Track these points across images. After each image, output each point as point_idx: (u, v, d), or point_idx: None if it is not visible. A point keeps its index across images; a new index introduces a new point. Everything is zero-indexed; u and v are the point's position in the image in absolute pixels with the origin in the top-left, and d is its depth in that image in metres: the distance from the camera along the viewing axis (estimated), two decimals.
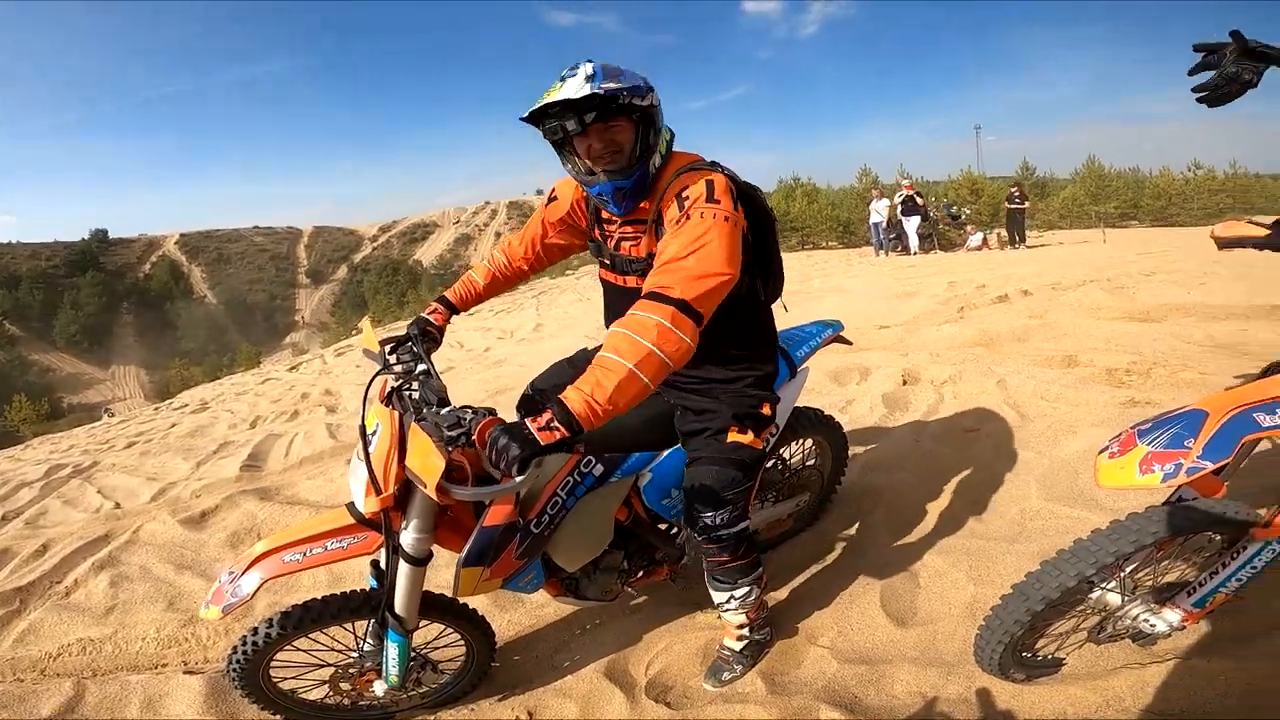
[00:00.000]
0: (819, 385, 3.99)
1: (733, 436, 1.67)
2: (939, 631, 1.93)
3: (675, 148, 1.61)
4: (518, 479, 1.19)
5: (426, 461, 1.26)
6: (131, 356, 67.80)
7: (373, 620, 1.63)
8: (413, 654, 1.69)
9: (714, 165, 1.58)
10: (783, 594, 2.21)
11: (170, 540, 3.29)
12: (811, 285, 9.07)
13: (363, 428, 1.46)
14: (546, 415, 1.21)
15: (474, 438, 1.26)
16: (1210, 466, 1.23)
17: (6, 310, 68.29)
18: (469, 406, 1.42)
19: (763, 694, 1.79)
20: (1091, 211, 21.33)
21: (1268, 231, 1.58)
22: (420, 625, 1.65)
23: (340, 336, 22.29)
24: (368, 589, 1.65)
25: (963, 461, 2.84)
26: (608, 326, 1.82)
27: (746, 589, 1.79)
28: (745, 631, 1.84)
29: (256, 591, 1.48)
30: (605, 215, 1.69)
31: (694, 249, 1.35)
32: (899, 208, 14.14)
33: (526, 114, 1.45)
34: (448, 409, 1.40)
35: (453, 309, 1.89)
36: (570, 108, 1.40)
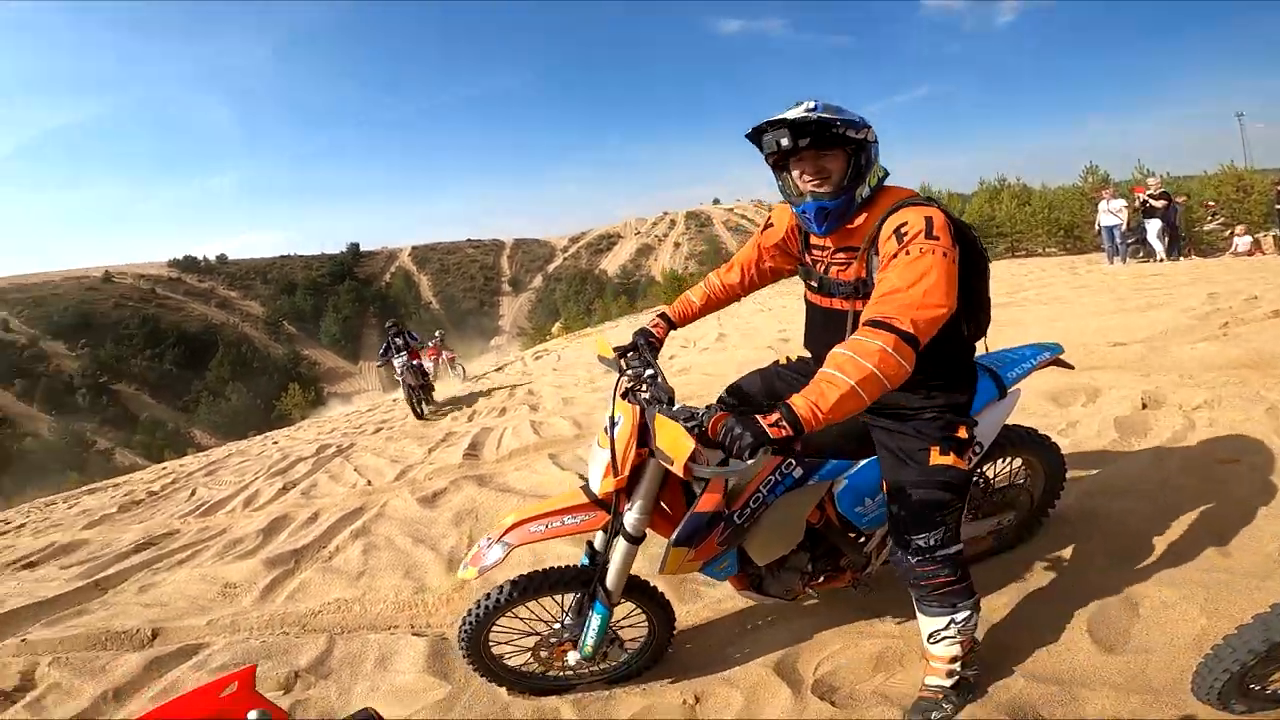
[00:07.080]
0: (1035, 406, 3.63)
1: (935, 459, 1.67)
2: (1153, 661, 1.74)
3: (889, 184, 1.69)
4: (748, 461, 1.33)
5: (677, 442, 1.45)
6: (375, 354, 79.69)
7: (578, 595, 1.85)
8: (608, 629, 1.87)
9: (929, 201, 1.63)
10: None
11: (408, 516, 3.87)
12: (1024, 296, 8.04)
13: (611, 419, 1.69)
14: (775, 415, 1.35)
15: (707, 429, 1.43)
16: None
17: (286, 312, 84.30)
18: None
19: None
20: None
21: None
22: (619, 602, 1.83)
23: (537, 340, 24.29)
24: (579, 565, 1.87)
25: (1210, 494, 2.44)
26: (806, 344, 1.98)
27: (967, 613, 1.69)
28: (957, 667, 1.69)
29: (508, 555, 1.74)
30: (814, 240, 1.82)
31: (914, 281, 1.45)
32: (1141, 210, 12.03)
33: (751, 130, 1.64)
34: (678, 405, 1.59)
35: (671, 324, 2.09)
36: (787, 126, 1.56)
